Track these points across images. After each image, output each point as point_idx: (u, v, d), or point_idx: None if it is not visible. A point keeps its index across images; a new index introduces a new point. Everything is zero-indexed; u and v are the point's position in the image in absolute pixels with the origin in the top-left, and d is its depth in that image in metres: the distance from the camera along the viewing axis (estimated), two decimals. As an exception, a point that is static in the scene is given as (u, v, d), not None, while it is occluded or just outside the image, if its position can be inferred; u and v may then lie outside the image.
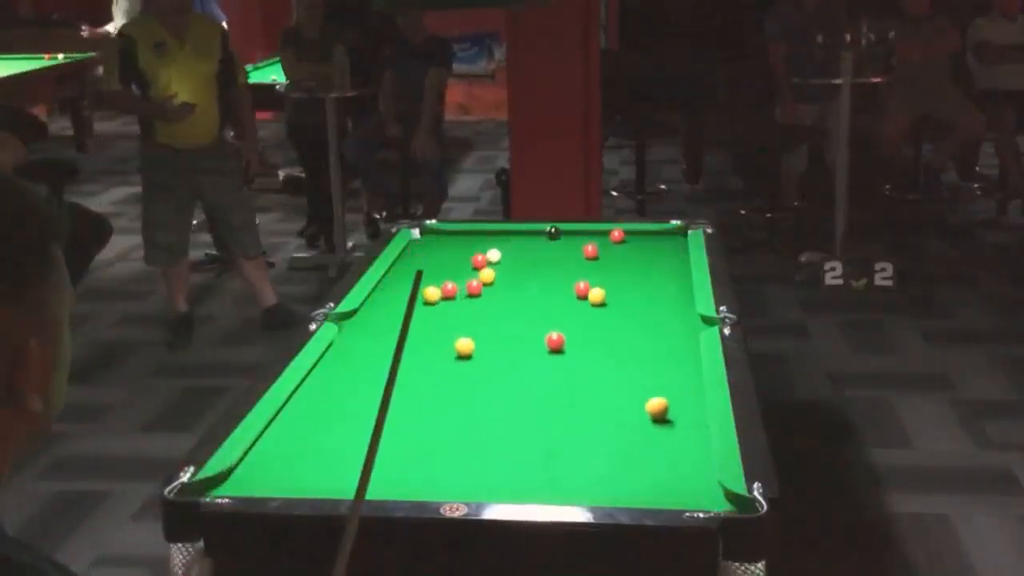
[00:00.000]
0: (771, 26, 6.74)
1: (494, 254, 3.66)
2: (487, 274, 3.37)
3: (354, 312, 3.07)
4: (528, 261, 3.60)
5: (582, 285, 3.17)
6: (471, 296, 3.23)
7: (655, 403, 2.34)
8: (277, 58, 7.02)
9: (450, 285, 3.19)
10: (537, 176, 5.46)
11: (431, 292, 3.14)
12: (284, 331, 4.73)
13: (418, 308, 3.06)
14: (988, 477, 3.81)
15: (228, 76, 5.25)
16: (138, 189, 8.24)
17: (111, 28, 8.44)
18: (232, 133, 5.95)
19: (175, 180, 5.11)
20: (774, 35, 6.69)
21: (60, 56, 8.66)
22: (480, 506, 1.93)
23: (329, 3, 6.52)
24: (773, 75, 6.72)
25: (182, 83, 5.01)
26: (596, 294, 3.12)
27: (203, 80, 5.09)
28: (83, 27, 8.85)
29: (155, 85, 5.01)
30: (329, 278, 5.89)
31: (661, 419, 2.33)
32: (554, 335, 2.77)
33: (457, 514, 1.90)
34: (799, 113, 6.71)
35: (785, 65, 6.57)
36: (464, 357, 2.74)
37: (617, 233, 3.83)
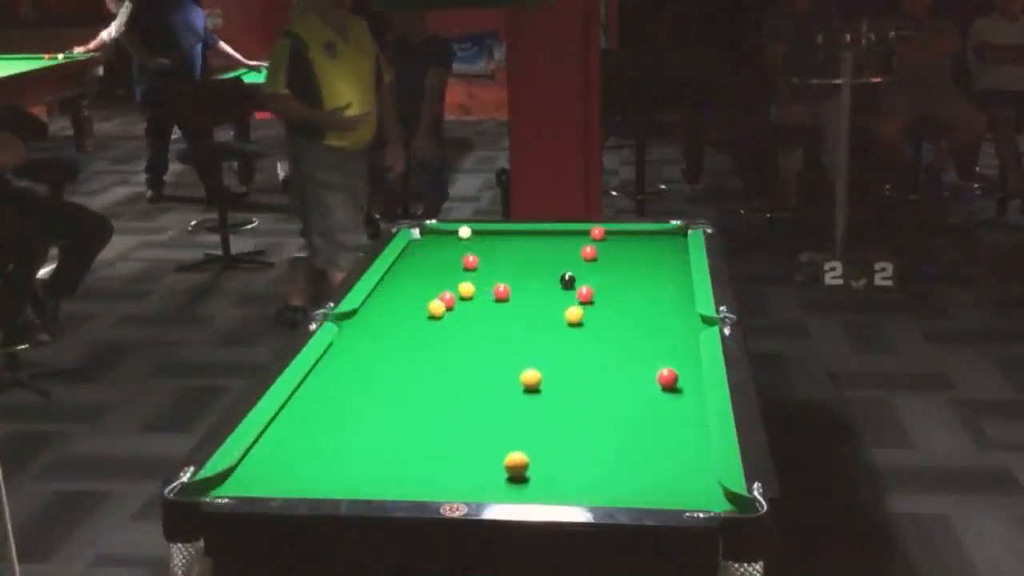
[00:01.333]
0: (768, 26, 6.74)
1: (464, 231, 3.76)
2: (468, 288, 3.24)
3: (354, 312, 3.07)
4: (527, 262, 3.60)
5: (584, 290, 3.16)
6: (499, 301, 3.18)
7: (529, 375, 2.50)
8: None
9: (448, 295, 3.13)
10: (537, 176, 5.45)
11: (435, 307, 3.07)
12: (289, 330, 4.71)
13: (426, 321, 3.07)
14: (988, 477, 3.82)
15: (378, 74, 5.00)
16: (138, 189, 8.32)
17: (105, 36, 8.34)
18: None
19: (346, 180, 4.92)
20: (771, 35, 6.69)
21: (60, 56, 8.65)
22: (480, 506, 1.93)
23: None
24: (770, 75, 6.72)
25: (350, 84, 4.76)
26: (573, 313, 2.99)
27: (368, 79, 4.87)
28: (76, 48, 8.73)
29: (326, 88, 4.73)
30: (329, 278, 5.88)
31: (533, 389, 2.49)
32: (665, 371, 2.53)
33: (457, 514, 1.91)
34: (795, 113, 6.70)
35: (783, 65, 6.57)
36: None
37: (597, 231, 3.82)
